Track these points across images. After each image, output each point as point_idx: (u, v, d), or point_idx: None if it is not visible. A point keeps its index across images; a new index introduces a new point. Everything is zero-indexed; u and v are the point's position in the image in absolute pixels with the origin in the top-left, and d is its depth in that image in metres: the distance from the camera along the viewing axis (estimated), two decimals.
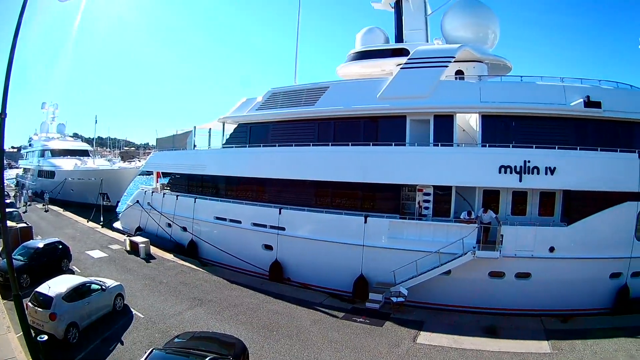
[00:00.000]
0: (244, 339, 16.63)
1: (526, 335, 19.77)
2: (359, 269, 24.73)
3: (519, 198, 24.51)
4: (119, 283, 21.33)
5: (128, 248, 32.26)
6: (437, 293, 23.40)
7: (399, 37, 33.44)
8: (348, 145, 26.36)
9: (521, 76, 26.11)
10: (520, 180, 23.04)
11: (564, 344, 18.85)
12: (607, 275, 23.62)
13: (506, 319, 21.73)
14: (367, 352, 17.58)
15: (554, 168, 22.89)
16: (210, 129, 37.20)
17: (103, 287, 19.84)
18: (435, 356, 17.48)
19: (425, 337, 19.20)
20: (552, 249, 22.80)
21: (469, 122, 27.75)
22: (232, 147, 32.81)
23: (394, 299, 22.17)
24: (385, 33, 34.93)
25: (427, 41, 32.30)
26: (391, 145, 25.34)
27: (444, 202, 24.63)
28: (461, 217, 23.45)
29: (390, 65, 30.50)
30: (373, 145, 25.83)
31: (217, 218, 31.60)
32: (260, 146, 30.23)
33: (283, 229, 27.59)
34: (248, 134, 31.96)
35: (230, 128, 34.52)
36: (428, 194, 24.88)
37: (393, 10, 34.56)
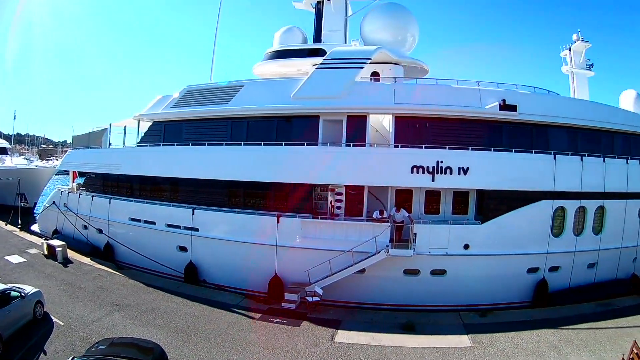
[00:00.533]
0: (162, 344, 16.18)
1: (445, 331, 20.21)
2: (273, 269, 24.43)
3: (432, 197, 25.14)
4: (37, 289, 20.00)
5: (46, 252, 30.37)
6: (353, 291, 23.50)
7: (317, 38, 33.44)
8: (261, 144, 25.98)
9: (437, 79, 26.74)
10: (433, 180, 23.53)
11: (484, 337, 19.36)
12: (524, 270, 24.70)
13: (423, 315, 22.07)
14: (286, 352, 17.47)
15: (467, 168, 23.53)
16: (125, 126, 35.80)
17: (22, 294, 18.53)
18: (353, 354, 17.50)
19: (343, 336, 19.25)
20: (466, 246, 23.53)
21: (382, 123, 28.04)
22: (146, 145, 31.67)
23: (310, 299, 22.09)
24: (304, 33, 34.87)
25: (345, 42, 32.48)
26: (303, 145, 25.18)
27: (356, 201, 24.76)
28: (374, 216, 23.64)
29: (307, 66, 30.37)
30: (286, 144, 25.53)
31: (132, 219, 30.37)
32: (174, 145, 29.32)
33: (197, 229, 26.84)
34: (162, 133, 30.94)
35: (146, 126, 33.37)
36: (340, 194, 24.92)
37: (314, 10, 34.48)
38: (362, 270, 22.89)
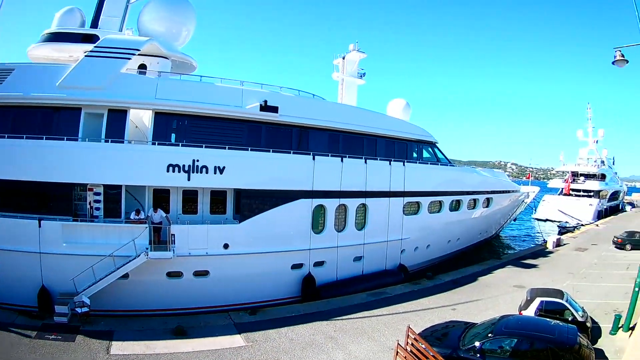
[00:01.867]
0: None
1: (217, 332, 19.92)
2: (39, 279, 21.91)
3: (190, 197, 24.69)
4: None
5: None
6: (122, 299, 22.18)
7: (95, 23, 30.78)
8: (23, 138, 22.85)
9: (201, 76, 26.23)
10: (189, 179, 22.97)
11: (257, 335, 19.47)
12: (289, 267, 25.25)
13: (193, 318, 21.61)
14: None
15: (224, 167, 23.35)
16: None
17: None
18: None
19: (118, 347, 18.22)
20: (226, 246, 23.37)
21: (142, 119, 26.76)
22: None
23: (79, 310, 20.18)
24: (84, 16, 31.99)
25: (122, 30, 30.47)
26: (63, 139, 22.81)
27: (114, 201, 23.25)
28: (131, 217, 22.41)
29: (79, 52, 27.72)
30: (47, 139, 22.83)
31: None
32: None
33: None
34: None
35: None
36: (98, 194, 23.12)
37: None
38: (126, 276, 21.59)
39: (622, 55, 20.08)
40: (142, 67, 27.58)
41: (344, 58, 39.71)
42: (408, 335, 15.93)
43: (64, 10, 31.74)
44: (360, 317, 21.95)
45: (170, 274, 22.79)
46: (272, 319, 21.66)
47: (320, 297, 25.13)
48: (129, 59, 24.37)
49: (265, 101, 24.94)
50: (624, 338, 19.53)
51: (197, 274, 23.19)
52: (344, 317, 21.86)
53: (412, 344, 15.56)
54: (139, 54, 25.40)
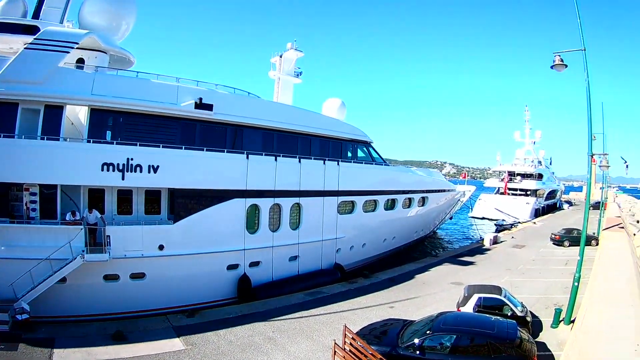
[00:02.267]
0: None
1: (156, 336, 19.78)
2: None
3: (125, 197, 24.29)
4: None
5: None
6: (61, 304, 21.58)
7: (37, 13, 29.77)
8: None
9: (137, 72, 25.78)
10: (124, 179, 22.59)
11: (196, 338, 19.43)
12: (224, 267, 25.18)
13: (132, 322, 21.39)
14: None
15: (157, 166, 23.12)
16: None
17: None
18: None
19: (60, 355, 17.75)
20: (161, 247, 23.17)
21: (78, 115, 26.16)
22: None
23: (19, 317, 19.41)
24: (27, 6, 30.87)
25: (62, 22, 29.48)
26: (0, 136, 21.90)
27: (50, 202, 22.65)
28: (67, 218, 21.91)
29: (20, 44, 26.83)
30: None
31: None
32: None
33: None
34: None
35: None
36: (34, 194, 22.47)
37: None
38: (64, 280, 21.01)
39: (562, 60, 20.84)
40: (80, 61, 26.87)
41: (281, 56, 39.51)
42: (345, 334, 16.06)
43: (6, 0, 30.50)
44: (298, 317, 22.19)
45: (107, 277, 22.35)
46: (210, 321, 21.68)
47: (256, 298, 25.22)
48: (68, 52, 23.63)
49: (200, 99, 24.80)
50: (565, 331, 20.24)
51: (134, 276, 22.87)
52: (281, 318, 22.06)
53: (351, 343, 15.69)
54: (77, 48, 24.66)
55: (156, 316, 22.27)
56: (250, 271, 26.12)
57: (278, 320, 21.77)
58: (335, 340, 16.40)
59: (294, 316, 22.39)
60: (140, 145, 23.06)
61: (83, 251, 20.91)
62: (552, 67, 21.15)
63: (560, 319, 21.60)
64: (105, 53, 27.88)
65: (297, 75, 40.33)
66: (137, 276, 22.99)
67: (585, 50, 20.52)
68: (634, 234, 51.45)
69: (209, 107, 24.98)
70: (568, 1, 21.77)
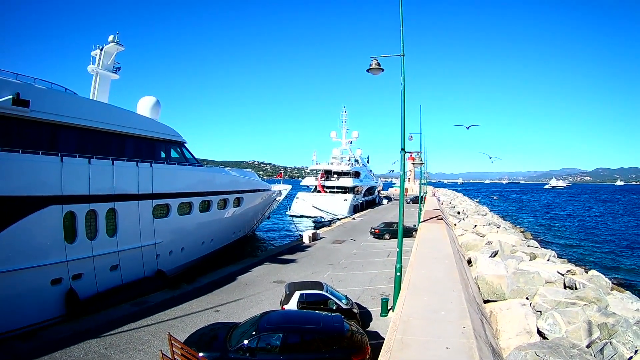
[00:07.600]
0: None
1: None
2: None
3: None
4: None
5: None
6: None
7: None
8: None
9: None
10: None
11: None
12: (48, 283, 23.44)
13: None
14: None
15: None
16: None
17: None
18: None
19: None
20: None
21: None
22: None
23: None
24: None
25: None
26: None
27: None
28: None
29: None
30: None
31: None
32: None
33: None
34: None
35: None
36: None
37: None
38: None
39: (379, 64, 22.10)
40: None
41: (102, 49, 37.61)
42: (171, 343, 15.82)
43: None
44: (128, 330, 21.65)
45: None
46: (46, 341, 20.06)
47: (86, 312, 23.97)
48: None
49: (18, 94, 22.82)
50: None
51: None
52: (112, 332, 21.29)
53: (181, 353, 15.54)
54: None
55: None
56: (75, 284, 24.71)
57: (109, 335, 20.96)
58: (161, 350, 16.39)
59: (124, 329, 21.80)
60: None
61: None
62: (368, 70, 22.31)
63: (389, 307, 23.23)
64: None
65: (116, 70, 38.54)
66: None
67: (404, 55, 22.02)
68: (455, 224, 58.95)
69: (25, 104, 23.05)
70: (389, 10, 23.88)
